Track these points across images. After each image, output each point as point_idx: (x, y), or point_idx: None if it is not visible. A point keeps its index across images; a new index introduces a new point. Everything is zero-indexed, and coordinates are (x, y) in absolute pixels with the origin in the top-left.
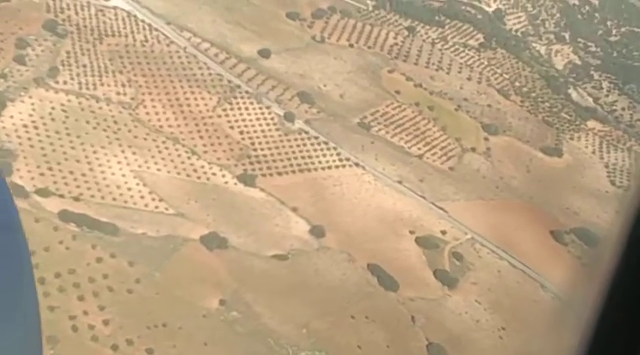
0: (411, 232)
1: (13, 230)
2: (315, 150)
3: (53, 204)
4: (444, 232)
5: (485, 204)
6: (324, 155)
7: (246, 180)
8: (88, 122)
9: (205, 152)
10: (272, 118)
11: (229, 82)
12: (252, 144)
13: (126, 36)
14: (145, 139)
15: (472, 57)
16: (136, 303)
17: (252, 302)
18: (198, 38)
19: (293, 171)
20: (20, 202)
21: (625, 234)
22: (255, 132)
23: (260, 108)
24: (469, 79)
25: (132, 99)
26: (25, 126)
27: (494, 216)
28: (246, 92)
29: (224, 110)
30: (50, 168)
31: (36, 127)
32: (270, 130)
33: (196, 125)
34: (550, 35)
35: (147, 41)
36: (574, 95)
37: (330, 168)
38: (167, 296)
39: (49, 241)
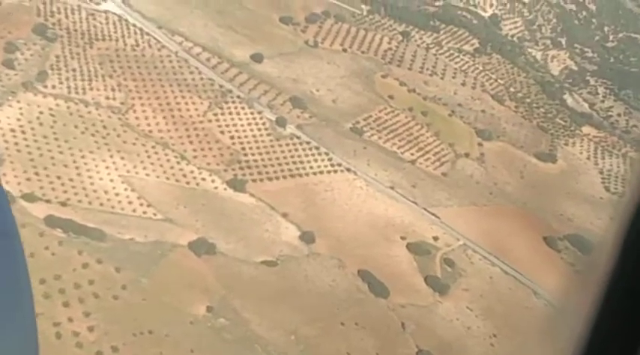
0: (403, 238)
1: (9, 236)
2: (307, 156)
3: (39, 210)
4: (435, 238)
5: (479, 210)
6: (316, 160)
7: (236, 185)
8: (76, 126)
9: (195, 157)
10: (263, 123)
11: (221, 86)
12: (243, 149)
13: (117, 40)
14: (134, 144)
15: (467, 62)
16: (121, 310)
17: (241, 308)
18: (190, 42)
19: (284, 177)
20: None
21: (620, 239)
22: (246, 137)
23: (251, 113)
24: (463, 84)
25: (121, 103)
26: (12, 130)
27: (487, 222)
28: (238, 97)
29: (215, 115)
30: (37, 173)
31: (23, 132)
32: (261, 135)
33: (186, 130)
34: (546, 41)
35: (138, 45)
36: (569, 101)
37: (321, 173)
38: (154, 303)
39: (34, 247)
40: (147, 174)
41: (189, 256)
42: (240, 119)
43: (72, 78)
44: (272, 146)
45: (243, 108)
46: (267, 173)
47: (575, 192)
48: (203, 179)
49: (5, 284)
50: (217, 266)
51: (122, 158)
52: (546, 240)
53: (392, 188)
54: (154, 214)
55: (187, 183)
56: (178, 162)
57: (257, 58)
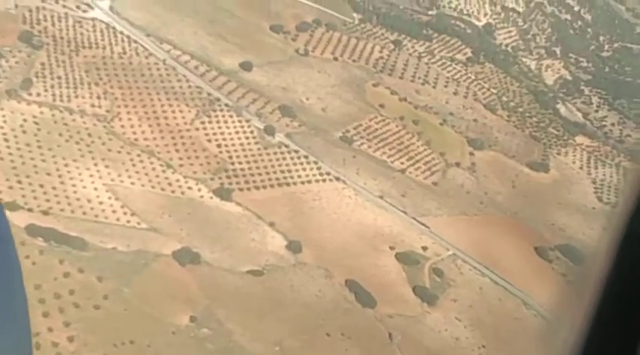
0: (391, 248)
1: (3, 241)
2: (295, 164)
3: (21, 218)
4: (424, 248)
5: (469, 220)
6: (304, 169)
7: (223, 194)
8: (60, 134)
9: (181, 165)
10: (252, 132)
11: (209, 94)
12: (230, 157)
13: (103, 48)
14: (119, 152)
15: (459, 71)
16: (102, 320)
17: (224, 318)
18: (179, 50)
19: (271, 186)
20: None
21: (614, 246)
22: (233, 145)
23: (240, 122)
24: (455, 93)
25: (107, 111)
26: None
27: (477, 232)
28: (226, 105)
29: (202, 123)
30: (19, 181)
31: (6, 139)
32: (249, 144)
33: (173, 138)
34: (541, 50)
35: (125, 53)
36: (562, 110)
37: (309, 182)
38: (136, 313)
39: None
40: (132, 183)
41: (173, 265)
42: (228, 127)
43: (57, 85)
44: (260, 155)
45: (231, 116)
46: (254, 182)
47: (568, 201)
48: (189, 188)
49: (0, 288)
50: (201, 275)
51: (107, 166)
52: (537, 250)
53: (381, 197)
54: (138, 223)
55: (173, 191)
56: (164, 171)
57: (246, 66)
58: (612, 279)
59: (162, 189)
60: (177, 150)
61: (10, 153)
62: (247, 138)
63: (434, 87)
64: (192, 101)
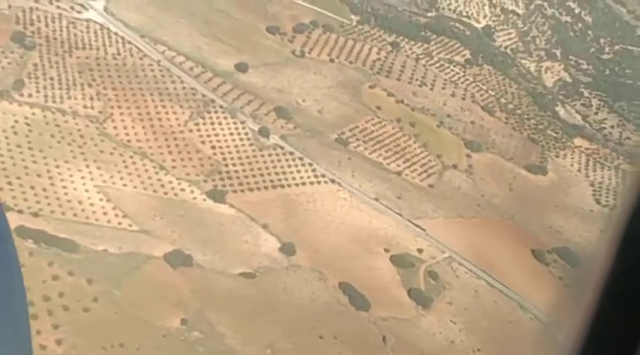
0: (386, 250)
1: (2, 240)
2: (290, 166)
3: (10, 220)
4: (420, 250)
5: (465, 222)
6: (299, 171)
7: (216, 196)
8: (52, 136)
9: (174, 167)
10: (246, 133)
11: (203, 96)
12: (224, 159)
13: (97, 49)
14: (112, 154)
15: (457, 73)
16: (91, 322)
17: (216, 321)
18: (173, 51)
19: (265, 187)
20: None
21: (614, 247)
22: (227, 147)
23: (234, 123)
24: (453, 95)
25: (100, 112)
26: None
27: (473, 235)
28: (221, 107)
29: (196, 125)
30: (10, 183)
31: None
32: (243, 145)
33: (166, 140)
34: (541, 52)
35: (119, 54)
36: (561, 112)
37: (304, 184)
38: (126, 316)
39: None
40: (124, 185)
41: (165, 268)
42: (222, 129)
43: (49, 86)
44: (254, 156)
45: (225, 118)
46: (248, 184)
47: (565, 204)
48: (182, 189)
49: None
50: (193, 278)
51: (98, 168)
52: (534, 253)
53: (376, 199)
54: (130, 225)
55: (165, 193)
56: (157, 173)
57: (242, 67)
58: (612, 280)
59: (155, 191)
60: (170, 152)
61: (1, 155)
62: (242, 139)
63: (431, 89)
64: (187, 102)
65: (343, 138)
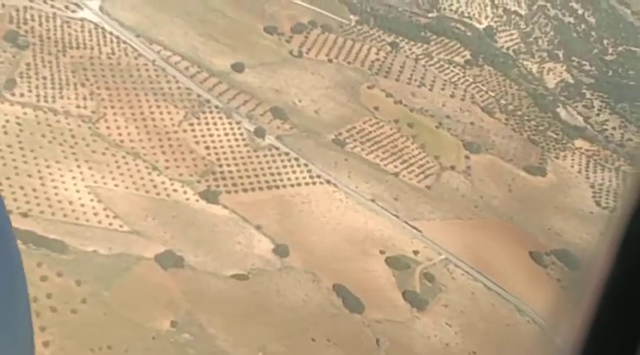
0: (382, 252)
1: (4, 236)
2: (285, 167)
3: None
4: (416, 252)
5: (463, 224)
6: (294, 172)
7: (209, 196)
8: (43, 136)
9: (167, 168)
10: (241, 134)
11: (198, 96)
12: (218, 160)
13: (92, 48)
14: (104, 154)
15: (457, 74)
16: (80, 324)
17: (207, 323)
18: (169, 51)
19: (260, 188)
20: None
21: (615, 248)
22: (222, 147)
23: (229, 124)
24: (452, 96)
25: (92, 112)
26: None
27: (471, 236)
28: (216, 107)
29: (190, 125)
30: None
31: None
32: (238, 146)
33: (160, 140)
34: (543, 53)
35: (114, 54)
36: (562, 113)
37: (299, 185)
38: (114, 317)
39: None
40: (115, 185)
41: (155, 269)
42: (217, 129)
43: (42, 86)
44: (249, 157)
45: (220, 118)
46: (242, 184)
47: (565, 206)
48: (174, 190)
49: (1, 286)
50: (184, 279)
51: (90, 168)
52: (532, 255)
53: (373, 201)
54: (121, 226)
55: (157, 194)
56: (149, 173)
57: (238, 67)
58: (612, 280)
59: (147, 192)
60: (163, 152)
61: None
62: (237, 140)
63: (430, 89)
64: (181, 102)
65: (340, 139)
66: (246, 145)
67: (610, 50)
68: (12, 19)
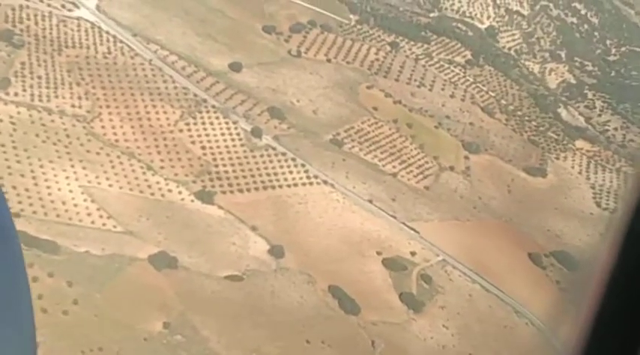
0: (378, 253)
1: (7, 237)
2: (282, 167)
3: None
4: (413, 253)
5: (461, 225)
6: (291, 172)
7: (204, 197)
8: (37, 135)
9: (162, 168)
10: (238, 134)
11: (195, 95)
12: (214, 160)
13: (88, 47)
14: (98, 154)
15: (457, 74)
16: (71, 326)
17: (200, 325)
18: (166, 50)
19: (256, 189)
20: None
21: (617, 246)
22: (218, 147)
23: (226, 123)
24: (452, 96)
25: (87, 112)
26: None
27: (469, 238)
28: (213, 106)
29: (187, 124)
30: None
31: None
32: (234, 146)
33: (155, 140)
34: (545, 53)
35: (110, 53)
36: (564, 114)
37: (296, 185)
38: (106, 319)
39: None
40: (109, 185)
41: (149, 270)
42: (214, 129)
43: (36, 85)
44: (245, 157)
45: (217, 118)
46: (238, 185)
47: (565, 207)
48: (169, 190)
49: (3, 282)
50: (178, 280)
51: (84, 168)
52: (531, 257)
53: (370, 201)
54: (114, 226)
55: (152, 194)
56: (144, 173)
57: (235, 67)
58: (614, 279)
59: (141, 192)
60: (158, 152)
61: None
62: (233, 140)
63: (430, 90)
64: (178, 102)
65: (338, 139)
66: (242, 145)
67: (613, 50)
68: (7, 18)
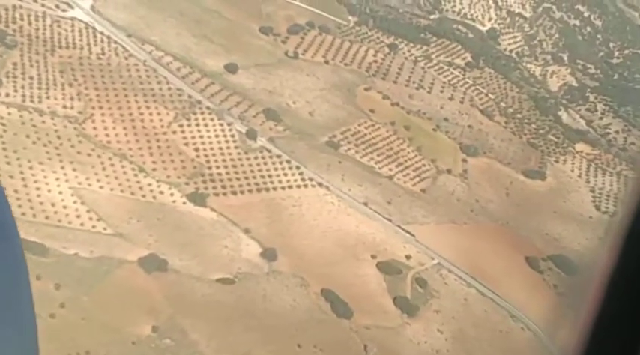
0: (373, 256)
1: (9, 237)
2: (276, 169)
3: None
4: (408, 257)
5: (458, 228)
6: (285, 174)
7: (197, 199)
8: (27, 136)
9: (154, 169)
10: (232, 135)
11: (190, 97)
12: (208, 162)
13: (81, 48)
14: (90, 155)
15: (456, 76)
16: (58, 329)
17: (189, 328)
18: (161, 51)
19: (249, 191)
20: None
21: (618, 247)
22: (212, 149)
23: (220, 125)
24: (451, 98)
25: (79, 113)
26: None
27: (465, 241)
28: (207, 108)
29: (180, 126)
30: None
31: None
32: (228, 148)
33: (148, 141)
34: (547, 56)
35: (104, 54)
36: (564, 117)
37: (290, 187)
38: (93, 322)
39: None
40: (100, 187)
41: (138, 273)
42: (208, 131)
43: (28, 86)
44: (239, 159)
45: (211, 119)
46: (231, 187)
47: (563, 211)
48: (161, 192)
49: (4, 282)
50: (168, 283)
51: (74, 169)
52: (528, 261)
53: (365, 204)
54: (104, 228)
55: (143, 196)
56: (136, 175)
57: (231, 68)
58: (614, 280)
59: (133, 194)
60: (151, 154)
61: None
62: (227, 142)
63: (429, 92)
64: (172, 103)
65: (334, 141)
66: (236, 147)
67: (616, 53)
68: (0, 19)
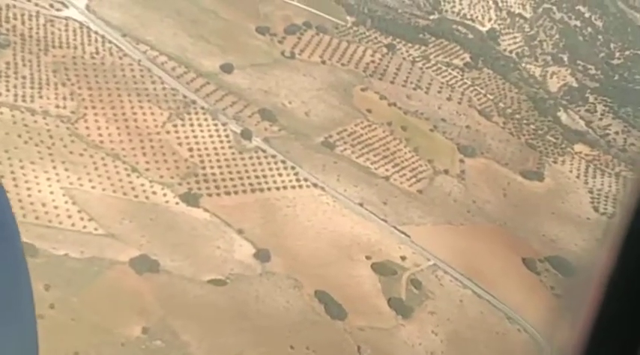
0: (368, 257)
1: (9, 237)
2: (271, 170)
3: None
4: (403, 258)
5: (454, 229)
6: (280, 175)
7: (190, 199)
8: (19, 136)
9: (147, 169)
10: (227, 136)
11: (184, 97)
12: (202, 162)
13: (75, 47)
14: (82, 155)
15: (455, 77)
16: (47, 330)
17: (180, 330)
18: (156, 51)
19: (244, 191)
20: None
21: (617, 246)
22: (206, 149)
23: (215, 125)
24: (449, 99)
25: (72, 112)
26: None
27: (462, 242)
28: (202, 108)
29: (174, 126)
30: None
31: None
32: (223, 148)
33: (141, 141)
34: (547, 57)
35: (98, 53)
36: (563, 118)
37: (285, 188)
38: (83, 323)
39: None
40: (92, 187)
41: (129, 274)
42: (202, 131)
43: (20, 85)
44: (234, 159)
45: (206, 119)
46: (225, 187)
47: (561, 212)
48: (154, 192)
49: (5, 282)
50: (159, 284)
51: (66, 169)
52: (525, 262)
53: (361, 205)
54: (95, 229)
55: (136, 196)
56: (128, 175)
57: (227, 68)
58: (613, 281)
59: (125, 194)
60: (144, 154)
61: None
62: (222, 142)
63: (426, 92)
64: (166, 103)
65: (330, 142)
66: (231, 147)
67: (617, 54)
68: None
